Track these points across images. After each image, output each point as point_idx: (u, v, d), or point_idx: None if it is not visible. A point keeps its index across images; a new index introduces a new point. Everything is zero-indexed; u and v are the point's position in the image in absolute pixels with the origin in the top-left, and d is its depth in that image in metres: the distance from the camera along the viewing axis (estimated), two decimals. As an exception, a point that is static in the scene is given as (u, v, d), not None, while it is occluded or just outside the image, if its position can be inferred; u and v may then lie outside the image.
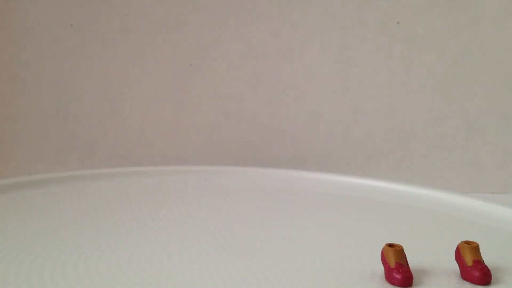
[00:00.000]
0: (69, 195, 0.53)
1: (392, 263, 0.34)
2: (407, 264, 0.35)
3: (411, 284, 0.34)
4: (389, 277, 0.34)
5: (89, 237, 0.41)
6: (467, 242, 0.36)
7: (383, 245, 0.41)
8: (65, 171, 0.61)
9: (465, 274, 0.35)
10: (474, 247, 0.35)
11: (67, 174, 0.59)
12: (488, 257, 0.39)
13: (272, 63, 0.78)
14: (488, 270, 0.34)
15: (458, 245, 0.36)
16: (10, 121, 0.78)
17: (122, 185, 0.58)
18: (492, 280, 0.35)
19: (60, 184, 0.58)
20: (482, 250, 0.39)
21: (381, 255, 0.36)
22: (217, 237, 0.42)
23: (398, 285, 0.34)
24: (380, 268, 0.36)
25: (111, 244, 0.40)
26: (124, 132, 0.79)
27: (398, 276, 0.34)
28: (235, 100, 0.79)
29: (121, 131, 0.79)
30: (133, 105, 0.79)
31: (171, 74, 0.79)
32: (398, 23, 0.77)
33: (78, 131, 0.79)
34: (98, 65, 0.78)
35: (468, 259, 0.35)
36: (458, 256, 0.36)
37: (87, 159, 0.79)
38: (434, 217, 0.50)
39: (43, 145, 0.79)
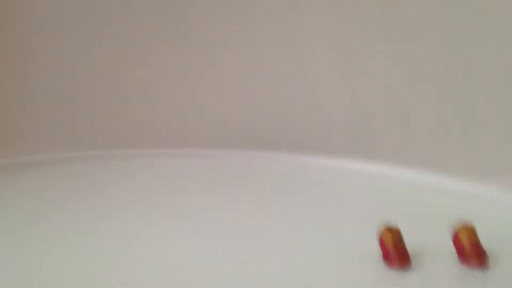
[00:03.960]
0: (67, 176, 0.53)
1: (390, 245, 0.34)
2: (405, 246, 0.35)
3: (408, 266, 0.34)
4: (386, 260, 0.34)
5: (83, 219, 0.41)
6: (464, 225, 0.36)
7: (381, 228, 0.41)
8: (62, 152, 0.61)
9: (463, 256, 0.35)
10: (471, 230, 0.35)
11: (65, 155, 0.59)
12: (485, 240, 0.39)
13: (272, 46, 0.77)
14: (485, 252, 0.35)
15: (455, 228, 0.36)
16: (6, 103, 0.78)
17: (119, 167, 0.58)
18: (489, 263, 0.35)
19: (57, 165, 0.57)
20: (479, 233, 0.40)
21: (378, 238, 0.36)
22: (214, 219, 0.42)
23: (395, 267, 0.34)
24: (378, 251, 0.36)
25: (107, 225, 0.40)
26: (122, 114, 0.79)
27: (395, 259, 0.34)
28: (233, 82, 0.79)
29: (120, 113, 0.79)
30: (131, 87, 0.79)
31: (170, 56, 0.78)
32: (399, 8, 0.76)
33: (76, 113, 0.79)
34: (96, 47, 0.78)
35: (466, 242, 0.35)
36: (456, 238, 0.36)
37: (85, 141, 0.79)
38: (431, 200, 0.50)
39: (40, 126, 0.79)
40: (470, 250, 0.35)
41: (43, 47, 0.78)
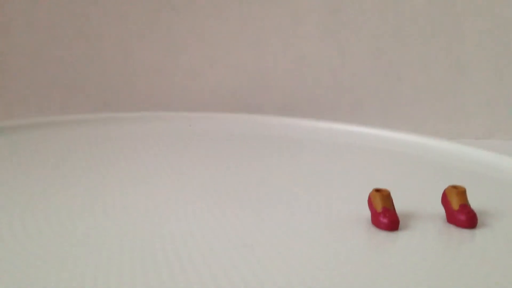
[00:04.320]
0: (49, 141, 0.52)
1: (379, 207, 0.34)
2: (394, 208, 0.35)
3: (397, 228, 0.34)
4: (375, 221, 0.34)
5: (69, 184, 0.40)
6: (454, 187, 0.36)
7: (370, 190, 0.41)
8: (43, 116, 0.59)
9: (451, 218, 0.35)
10: (460, 191, 0.35)
11: (46, 119, 0.57)
12: (474, 201, 0.39)
13: (258, 6, 0.75)
14: (474, 213, 0.35)
15: (445, 190, 0.36)
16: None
17: (103, 131, 0.56)
18: (477, 224, 0.35)
19: (38, 129, 0.56)
20: (468, 194, 0.39)
21: (368, 200, 0.35)
22: (202, 183, 0.41)
23: (384, 229, 0.34)
24: (367, 213, 0.36)
25: (91, 192, 0.39)
26: (105, 76, 0.77)
27: (384, 220, 0.34)
28: (219, 44, 0.77)
29: (102, 74, 0.77)
30: (114, 47, 0.77)
31: (154, 17, 0.76)
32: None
33: (57, 74, 0.76)
34: (77, 5, 0.75)
35: (455, 203, 0.35)
36: (445, 200, 0.36)
37: (66, 103, 0.77)
38: (421, 162, 0.50)
39: (20, 89, 0.77)
40: (459, 211, 0.35)
41: (22, 6, 0.75)
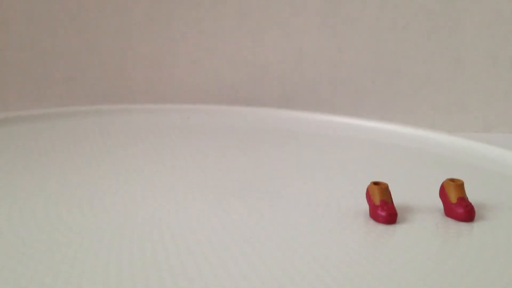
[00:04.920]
0: (47, 133, 0.52)
1: (377, 200, 0.34)
2: (392, 201, 0.35)
3: (395, 221, 0.34)
4: (373, 214, 0.34)
5: (67, 176, 0.40)
6: (452, 180, 0.36)
7: (369, 183, 0.41)
8: (41, 108, 0.59)
9: (449, 211, 0.35)
10: (458, 185, 0.35)
11: (43, 111, 0.57)
12: (472, 195, 0.39)
13: (257, 0, 0.75)
14: (472, 207, 0.35)
15: (442, 183, 0.36)
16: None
17: (101, 123, 0.56)
18: (475, 217, 0.35)
19: (36, 121, 0.56)
20: (466, 187, 0.39)
21: (366, 193, 0.35)
22: (201, 176, 0.41)
23: (382, 222, 0.34)
24: (365, 206, 0.36)
25: (88, 186, 0.39)
26: (103, 68, 0.77)
27: (382, 213, 0.34)
28: (218, 37, 0.77)
29: (100, 67, 0.77)
30: (112, 39, 0.76)
31: (152, 8, 0.75)
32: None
33: (55, 67, 0.76)
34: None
35: (453, 196, 0.35)
36: (443, 193, 0.36)
37: (65, 96, 0.77)
38: (419, 155, 0.50)
39: (18, 81, 0.76)
40: (457, 204, 0.35)
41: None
